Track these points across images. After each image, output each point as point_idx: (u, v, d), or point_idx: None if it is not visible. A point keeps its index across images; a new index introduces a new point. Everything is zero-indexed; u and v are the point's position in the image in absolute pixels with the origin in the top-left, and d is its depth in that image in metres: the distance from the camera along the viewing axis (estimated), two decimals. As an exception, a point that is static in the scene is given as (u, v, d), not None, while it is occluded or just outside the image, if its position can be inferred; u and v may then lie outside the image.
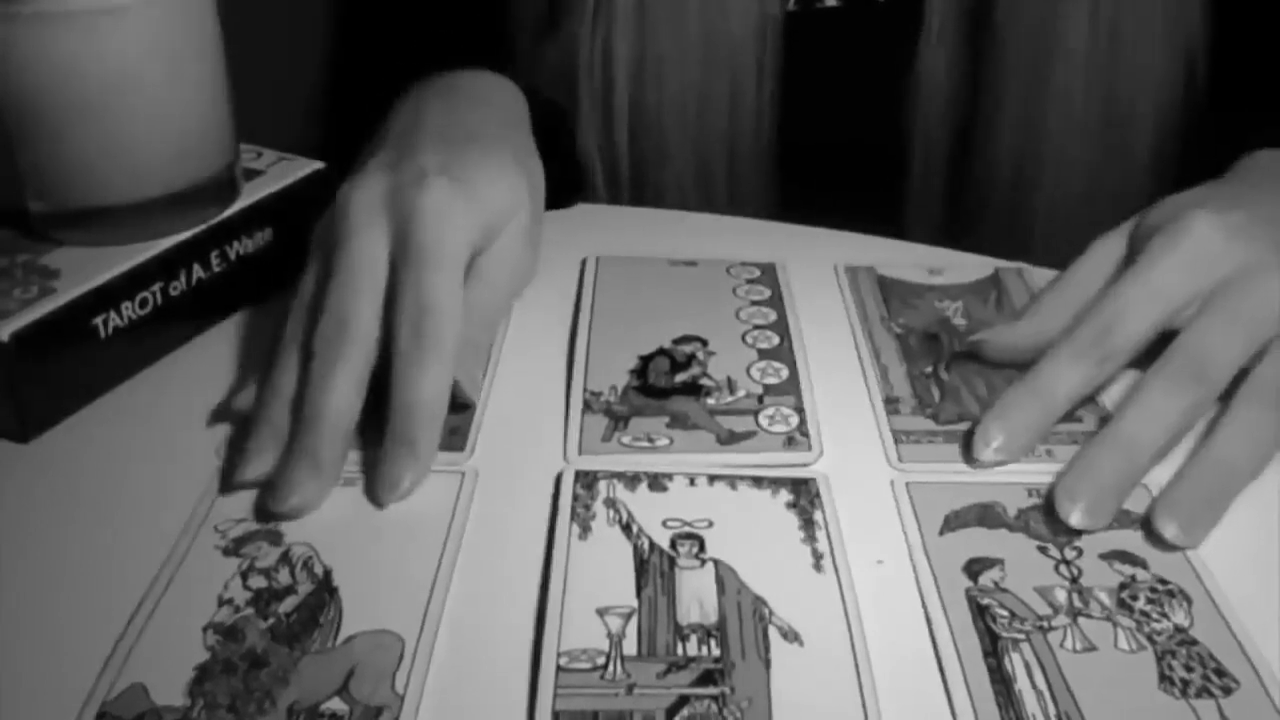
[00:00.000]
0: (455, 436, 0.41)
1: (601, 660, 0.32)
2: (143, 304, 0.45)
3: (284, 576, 0.35)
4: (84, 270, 0.43)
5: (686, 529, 0.37)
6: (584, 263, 0.53)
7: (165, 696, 0.31)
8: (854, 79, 0.64)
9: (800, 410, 0.43)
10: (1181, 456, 0.41)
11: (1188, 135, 0.64)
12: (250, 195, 0.49)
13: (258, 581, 0.35)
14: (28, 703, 0.32)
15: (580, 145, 0.64)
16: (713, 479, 0.39)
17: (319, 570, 0.35)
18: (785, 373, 0.45)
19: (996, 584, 0.35)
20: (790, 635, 0.33)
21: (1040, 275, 0.52)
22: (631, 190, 0.66)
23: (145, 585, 0.35)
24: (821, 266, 0.53)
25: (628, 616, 0.34)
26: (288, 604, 0.34)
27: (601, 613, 0.34)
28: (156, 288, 0.45)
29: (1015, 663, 0.33)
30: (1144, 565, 0.36)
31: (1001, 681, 0.32)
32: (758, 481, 0.39)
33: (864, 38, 0.64)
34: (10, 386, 0.41)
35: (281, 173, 0.51)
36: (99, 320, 0.43)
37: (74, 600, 0.35)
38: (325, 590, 0.35)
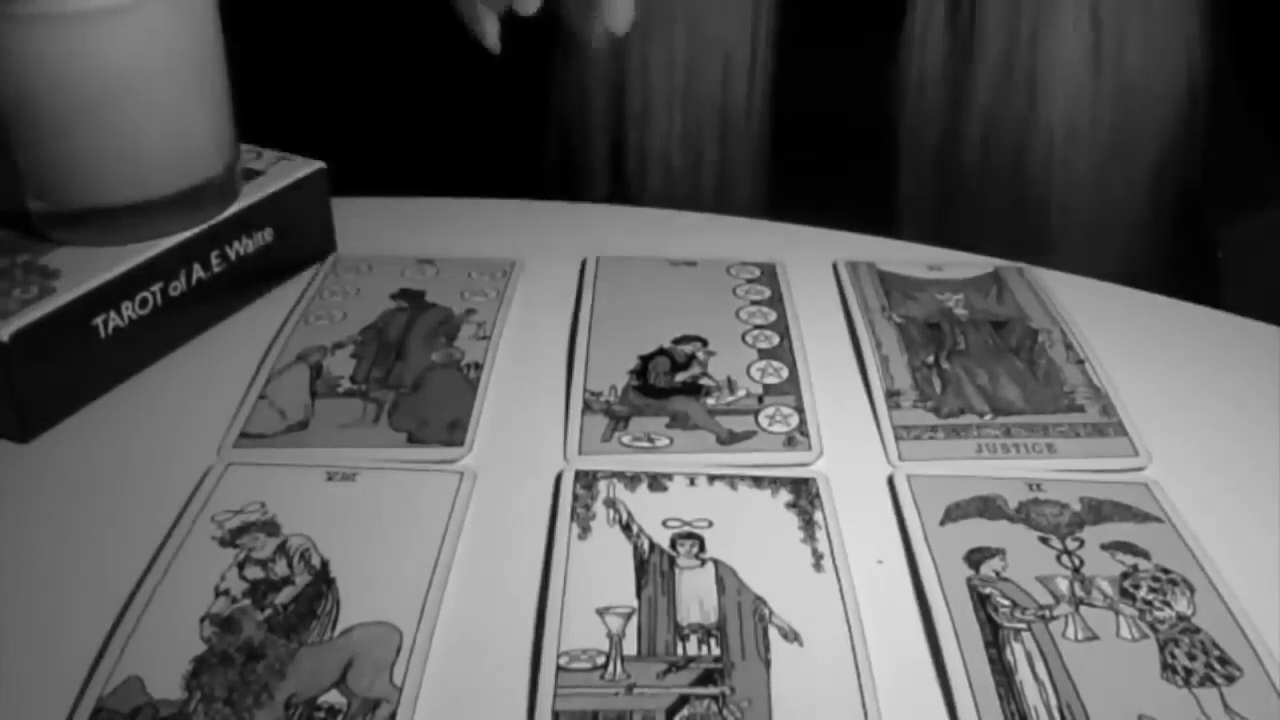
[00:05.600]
0: (455, 432, 0.41)
1: (601, 660, 0.32)
2: (143, 304, 0.45)
3: (281, 568, 0.35)
4: (84, 270, 0.43)
5: (686, 529, 0.37)
6: (584, 263, 0.53)
7: (162, 690, 0.31)
8: (847, 55, 0.64)
9: (800, 410, 0.43)
10: (1182, 453, 0.41)
11: (1190, 137, 0.64)
12: (250, 195, 0.49)
13: (254, 573, 0.35)
14: (26, 698, 0.32)
15: (558, 106, 0.64)
16: (713, 479, 0.39)
17: (316, 561, 0.35)
18: (785, 372, 0.45)
19: (998, 573, 0.35)
20: (790, 635, 0.33)
21: (1040, 274, 0.52)
22: (612, 153, 0.65)
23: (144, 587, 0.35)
24: (821, 266, 0.53)
25: (628, 616, 0.34)
26: (285, 595, 0.34)
27: (601, 613, 0.34)
28: (156, 288, 0.45)
29: (1017, 653, 0.33)
30: (1146, 555, 0.36)
31: (1003, 672, 0.32)
32: (758, 481, 0.39)
33: (857, 13, 0.64)
34: (10, 386, 0.41)
35: (281, 173, 0.51)
36: (99, 320, 0.43)
37: (72, 599, 0.35)
38: (323, 581, 0.35)
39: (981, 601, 0.34)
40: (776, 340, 0.47)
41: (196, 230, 0.46)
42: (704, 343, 0.47)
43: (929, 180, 0.66)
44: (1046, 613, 0.34)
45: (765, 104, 0.64)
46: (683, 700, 0.31)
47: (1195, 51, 0.62)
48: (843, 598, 0.35)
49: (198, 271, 0.47)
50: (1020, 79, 0.62)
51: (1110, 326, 0.48)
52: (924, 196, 0.66)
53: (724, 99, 0.64)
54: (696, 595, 0.35)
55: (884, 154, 0.66)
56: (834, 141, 0.64)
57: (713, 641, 0.33)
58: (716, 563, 0.36)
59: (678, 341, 0.47)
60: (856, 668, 0.32)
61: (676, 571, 0.35)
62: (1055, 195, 0.64)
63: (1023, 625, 0.33)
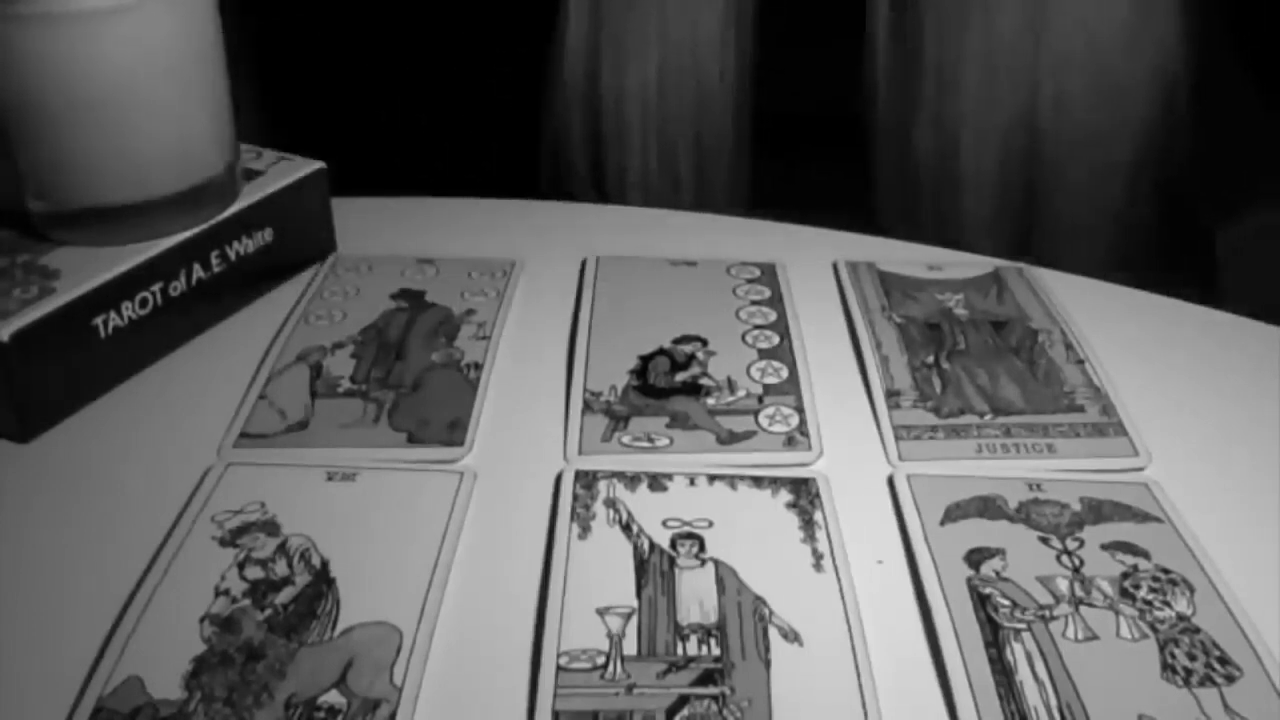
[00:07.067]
0: (455, 432, 0.41)
1: (601, 660, 0.32)
2: (143, 304, 0.45)
3: (281, 568, 0.35)
4: (84, 270, 0.43)
5: (686, 529, 0.37)
6: (584, 263, 0.53)
7: (162, 690, 0.31)
8: (819, 61, 0.64)
9: (800, 410, 0.43)
10: (1182, 453, 0.41)
11: (1171, 147, 0.64)
12: (250, 195, 0.49)
13: (254, 572, 0.35)
14: (26, 698, 0.32)
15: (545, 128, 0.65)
16: (713, 479, 0.39)
17: (316, 561, 0.35)
18: (785, 372, 0.45)
19: (998, 573, 0.35)
20: (790, 635, 0.33)
21: (1040, 274, 0.52)
22: (592, 173, 0.66)
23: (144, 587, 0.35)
24: (821, 266, 0.53)
25: (628, 616, 0.34)
26: (285, 595, 0.34)
27: (601, 613, 0.34)
28: (156, 288, 0.45)
29: (1017, 653, 0.33)
30: (1146, 555, 0.36)
31: (1003, 672, 0.32)
32: (758, 481, 0.39)
33: (827, 23, 0.64)
34: (10, 386, 0.41)
35: (281, 173, 0.51)
36: (99, 320, 0.43)
37: (72, 599, 0.35)
38: (323, 581, 0.35)
39: (981, 601, 0.34)
40: (776, 340, 0.47)
41: (196, 230, 0.46)
42: (704, 343, 0.47)
43: (907, 182, 0.66)
44: (1046, 613, 0.34)
45: (741, 116, 0.65)
46: (683, 700, 0.31)
47: (1175, 44, 0.62)
48: (843, 598, 0.35)
49: (198, 271, 0.47)
50: (979, 74, 0.62)
51: (1110, 326, 0.48)
52: (902, 198, 0.66)
53: (698, 114, 0.64)
54: (696, 595, 0.35)
55: (861, 158, 0.66)
56: (811, 148, 0.64)
57: (713, 641, 0.33)
58: (716, 563, 0.36)
59: (678, 341, 0.47)
60: (856, 668, 0.32)
61: (676, 571, 0.35)
62: (1038, 191, 0.64)
63: (1023, 625, 0.33)
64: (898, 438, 0.42)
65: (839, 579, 0.35)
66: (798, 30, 0.64)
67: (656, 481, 0.39)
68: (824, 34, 0.65)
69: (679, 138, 0.65)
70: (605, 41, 0.63)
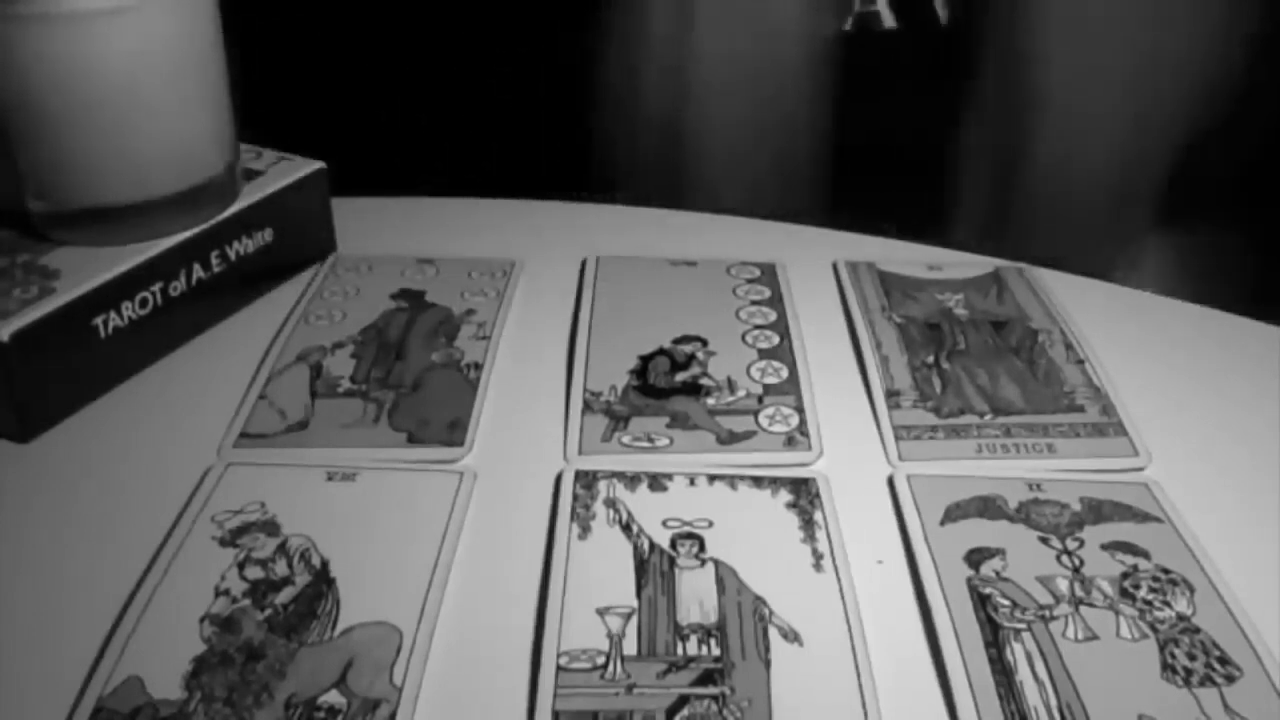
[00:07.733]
0: (455, 432, 0.41)
1: (601, 660, 0.32)
2: (143, 304, 0.45)
3: (281, 568, 0.35)
4: (84, 270, 0.43)
5: (686, 529, 0.37)
6: (584, 263, 0.53)
7: (162, 690, 0.31)
8: (910, 89, 0.64)
9: (800, 410, 0.43)
10: (1182, 453, 0.41)
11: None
12: (250, 195, 0.49)
13: (254, 572, 0.35)
14: (26, 698, 0.32)
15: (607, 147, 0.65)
16: (713, 479, 0.39)
17: (316, 561, 0.35)
18: (785, 372, 0.45)
19: (998, 573, 0.35)
20: (790, 635, 0.33)
21: (1040, 274, 0.52)
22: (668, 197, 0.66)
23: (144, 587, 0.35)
24: (821, 266, 0.53)
25: (628, 616, 0.34)
26: (285, 595, 0.34)
27: (601, 613, 0.34)
28: (156, 288, 0.45)
29: (1017, 653, 0.33)
30: (1146, 555, 0.36)
31: (1003, 672, 0.32)
32: (758, 481, 0.39)
33: (920, 54, 0.65)
34: (10, 386, 0.41)
35: (281, 173, 0.51)
36: (99, 320, 0.43)
37: (72, 599, 0.35)
38: (323, 581, 0.35)
39: (981, 601, 0.34)
40: (776, 340, 0.47)
41: (196, 230, 0.46)
42: (704, 343, 0.47)
43: (986, 195, 0.66)
44: (1046, 613, 0.34)
45: (821, 140, 0.65)
46: (683, 700, 0.31)
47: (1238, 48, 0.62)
48: (843, 598, 0.35)
49: (198, 271, 0.47)
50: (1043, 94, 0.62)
51: (1110, 326, 0.48)
52: (980, 209, 0.66)
53: (783, 140, 0.65)
54: (696, 595, 0.35)
55: (945, 187, 0.66)
56: (894, 177, 0.64)
57: (713, 641, 0.33)
58: (716, 563, 0.36)
59: (678, 341, 0.47)
60: (856, 668, 0.32)
61: (676, 571, 0.35)
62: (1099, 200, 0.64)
63: (1023, 625, 0.33)
64: (898, 438, 0.42)
65: (839, 579, 0.35)
66: (880, 58, 0.65)
67: (656, 481, 0.39)
68: (907, 64, 0.65)
69: (761, 164, 0.66)
70: (690, 79, 0.64)
